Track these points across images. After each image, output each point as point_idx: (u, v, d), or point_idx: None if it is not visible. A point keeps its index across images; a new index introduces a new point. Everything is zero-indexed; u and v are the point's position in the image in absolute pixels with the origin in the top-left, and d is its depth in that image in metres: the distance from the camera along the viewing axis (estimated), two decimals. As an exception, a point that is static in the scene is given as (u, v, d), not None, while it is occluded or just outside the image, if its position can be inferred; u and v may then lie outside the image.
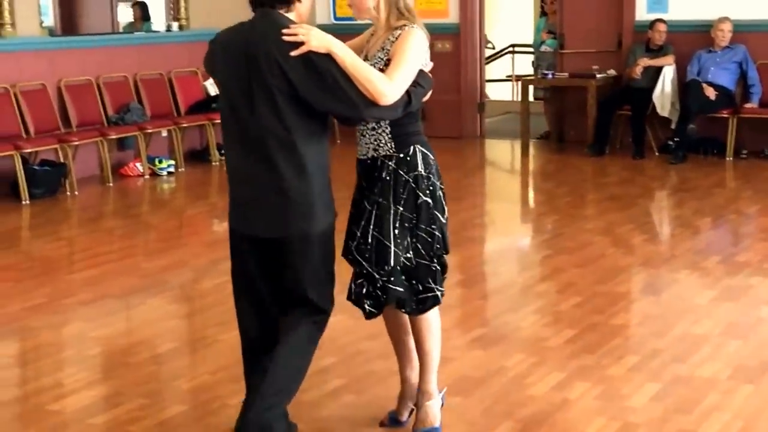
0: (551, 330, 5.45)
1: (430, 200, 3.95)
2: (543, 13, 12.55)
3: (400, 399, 4.30)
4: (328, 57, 3.66)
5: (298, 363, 3.94)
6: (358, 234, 3.94)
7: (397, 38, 3.86)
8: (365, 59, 3.89)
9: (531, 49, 13.30)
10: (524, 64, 15.15)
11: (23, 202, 9.02)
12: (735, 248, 7.25)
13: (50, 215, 8.77)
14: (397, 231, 3.89)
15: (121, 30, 12.00)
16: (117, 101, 10.41)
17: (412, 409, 4.27)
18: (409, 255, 3.93)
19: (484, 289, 6.48)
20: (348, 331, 5.30)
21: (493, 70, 15.77)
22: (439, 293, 4.02)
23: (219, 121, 10.68)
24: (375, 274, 3.93)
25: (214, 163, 10.99)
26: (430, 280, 4.00)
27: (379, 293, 3.96)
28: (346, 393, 4.69)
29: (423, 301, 4.01)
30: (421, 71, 3.89)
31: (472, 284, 6.42)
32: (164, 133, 10.80)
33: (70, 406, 4.63)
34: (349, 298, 4.08)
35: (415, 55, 3.82)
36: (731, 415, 4.36)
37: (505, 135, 12.73)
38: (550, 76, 11.48)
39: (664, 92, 10.85)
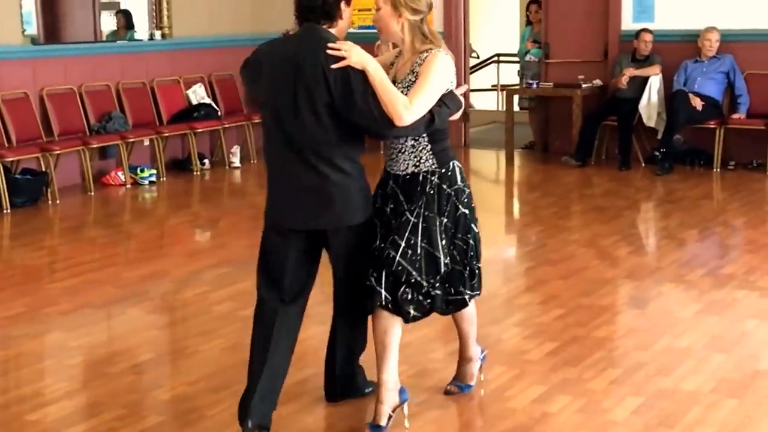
0: (533, 342, 5.39)
1: (467, 211, 4.31)
2: (528, 22, 12.52)
3: (376, 403, 4.28)
4: (363, 74, 3.98)
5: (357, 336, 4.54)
6: (403, 244, 4.16)
7: (423, 61, 4.15)
8: (394, 81, 4.17)
9: (516, 59, 13.27)
10: (509, 74, 15.12)
11: (4, 211, 8.95)
12: (721, 261, 7.20)
13: (31, 224, 8.69)
14: (444, 242, 4.21)
15: (104, 38, 11.92)
16: (99, 110, 10.34)
17: (390, 415, 4.28)
18: (446, 261, 4.23)
19: (467, 300, 6.42)
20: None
21: (477, 80, 15.75)
22: (467, 296, 4.34)
23: (200, 130, 10.84)
24: (424, 282, 4.18)
25: (195, 173, 10.92)
26: (462, 286, 4.31)
27: (422, 299, 4.21)
28: (325, 404, 4.65)
29: (452, 303, 4.34)
30: (450, 93, 4.21)
31: (455, 295, 6.37)
32: (146, 142, 10.74)
33: (49, 415, 4.59)
34: (383, 304, 4.19)
35: (437, 79, 4.11)
36: (714, 430, 4.32)
37: (490, 145, 12.69)
38: (534, 85, 11.44)
39: (650, 102, 10.81)
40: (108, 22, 12.33)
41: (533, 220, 8.75)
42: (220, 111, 11.55)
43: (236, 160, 11.42)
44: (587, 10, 11.60)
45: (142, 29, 11.72)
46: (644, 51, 10.97)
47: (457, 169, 4.29)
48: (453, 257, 4.27)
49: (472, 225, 4.33)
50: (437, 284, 4.22)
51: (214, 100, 11.62)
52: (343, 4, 4.10)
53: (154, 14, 11.52)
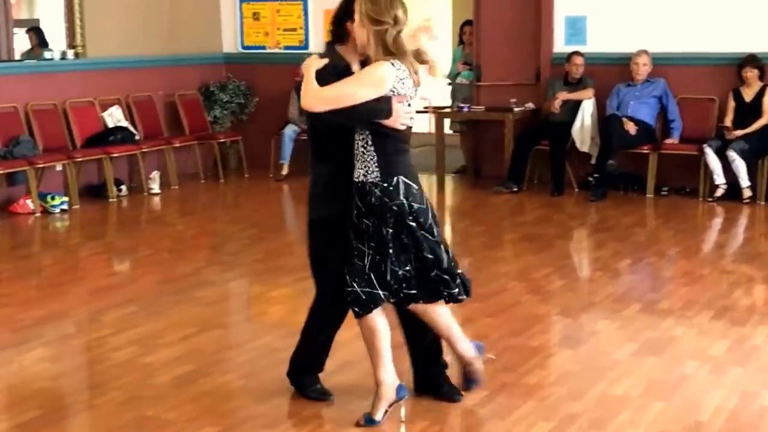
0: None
1: (414, 224, 4.40)
2: (461, 42, 12.20)
3: (375, 399, 4.54)
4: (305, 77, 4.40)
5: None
6: (364, 248, 4.44)
7: None
8: None
9: (448, 80, 12.92)
10: (444, 95, 14.76)
11: None
12: (656, 294, 6.86)
13: (-72, 257, 8.10)
14: (392, 250, 4.39)
15: (18, 58, 11.35)
16: (5, 133, 9.78)
17: (386, 411, 4.52)
18: (408, 268, 4.45)
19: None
20: (241, 393, 4.87)
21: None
22: (452, 293, 4.57)
23: (117, 155, 10.32)
24: (376, 290, 4.43)
25: (111, 200, 10.40)
26: (440, 287, 4.54)
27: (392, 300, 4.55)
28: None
29: (437, 296, 4.59)
30: (386, 98, 4.34)
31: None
32: (58, 168, 10.19)
33: None
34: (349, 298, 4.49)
35: (361, 80, 4.35)
36: (654, 494, 3.93)
37: (421, 169, 12.03)
38: (466, 109, 11.10)
39: (583, 127, 10.55)
40: (23, 41, 11.76)
41: (463, 250, 8.35)
42: (138, 135, 11.06)
43: (155, 187, 10.94)
44: (519, 33, 11.29)
45: (59, 48, 11.13)
46: (576, 74, 10.70)
47: (402, 185, 4.39)
48: (417, 261, 4.46)
49: (426, 236, 4.43)
50: (405, 284, 4.45)
51: (132, 123, 11.12)
52: (348, 24, 4.45)
53: (68, 32, 10.98)
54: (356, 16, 4.38)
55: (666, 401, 4.82)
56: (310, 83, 4.35)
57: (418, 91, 4.48)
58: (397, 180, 4.39)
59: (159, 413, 4.68)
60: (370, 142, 4.40)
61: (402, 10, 4.38)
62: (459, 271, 4.62)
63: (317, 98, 4.34)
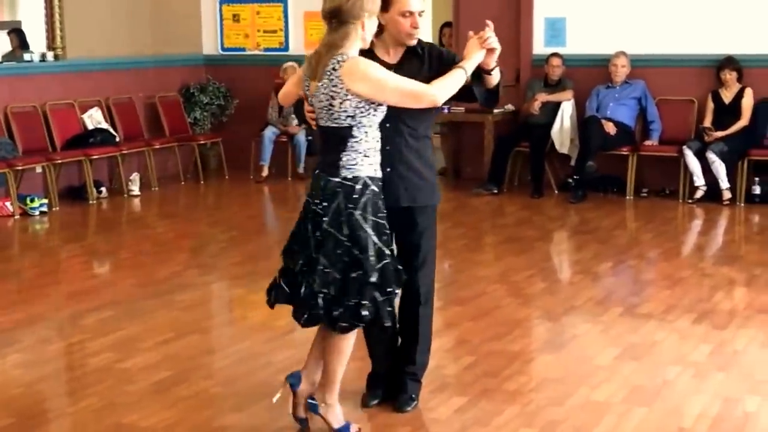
0: (439, 398, 4.91)
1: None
2: (440, 44, 12.17)
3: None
4: None
5: None
6: None
7: None
8: None
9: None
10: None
11: None
12: (637, 298, 6.85)
13: None
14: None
15: (0, 59, 11.28)
16: (-17, 136, 9.72)
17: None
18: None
19: (363, 350, 5.87)
20: (220, 399, 4.76)
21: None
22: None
23: (97, 156, 10.24)
24: None
25: (91, 202, 10.34)
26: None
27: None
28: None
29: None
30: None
31: (356, 342, 5.90)
32: (38, 170, 10.12)
33: None
34: None
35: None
36: (636, 501, 3.91)
37: (402, 171, 12.25)
38: (446, 110, 11.06)
39: (562, 128, 10.55)
40: (5, 43, 11.69)
41: (443, 253, 8.30)
42: (119, 136, 11.00)
43: (135, 188, 10.89)
44: (499, 34, 11.12)
45: (40, 50, 11.04)
46: (554, 76, 10.71)
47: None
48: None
49: (307, 232, 4.44)
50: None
51: (112, 124, 11.07)
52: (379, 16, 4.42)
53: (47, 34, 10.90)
54: None
55: (648, 407, 4.80)
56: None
57: (312, 94, 4.26)
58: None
59: (136, 420, 4.63)
60: None
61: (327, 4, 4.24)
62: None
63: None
